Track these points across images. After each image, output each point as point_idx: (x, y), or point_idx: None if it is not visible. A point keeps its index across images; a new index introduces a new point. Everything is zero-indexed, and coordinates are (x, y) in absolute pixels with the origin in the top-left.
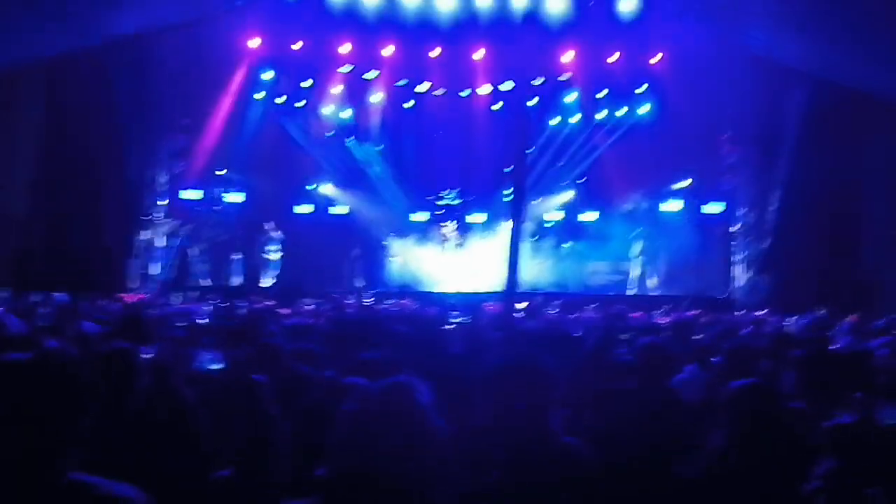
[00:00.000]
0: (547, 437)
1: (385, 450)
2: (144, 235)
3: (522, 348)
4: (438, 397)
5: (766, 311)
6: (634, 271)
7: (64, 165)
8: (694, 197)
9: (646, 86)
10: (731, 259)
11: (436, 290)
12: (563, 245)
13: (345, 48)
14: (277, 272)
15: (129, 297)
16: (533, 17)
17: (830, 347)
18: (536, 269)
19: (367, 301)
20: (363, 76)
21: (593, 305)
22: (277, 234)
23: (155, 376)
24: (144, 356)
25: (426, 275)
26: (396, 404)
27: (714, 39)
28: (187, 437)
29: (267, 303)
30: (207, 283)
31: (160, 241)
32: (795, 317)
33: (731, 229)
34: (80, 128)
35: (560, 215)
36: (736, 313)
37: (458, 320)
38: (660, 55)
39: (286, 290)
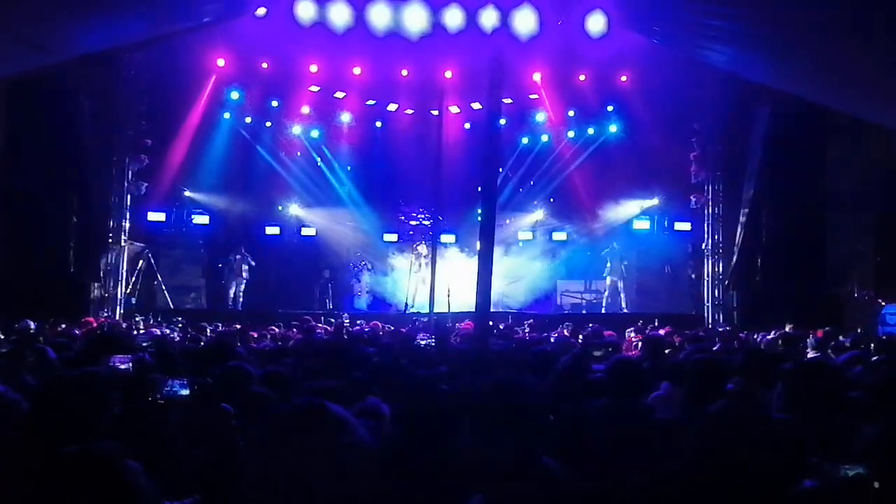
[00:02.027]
0: (531, 458)
1: (303, 473)
2: (109, 258)
3: (496, 369)
4: (411, 420)
5: (730, 327)
6: (606, 289)
7: (25, 186)
8: (663, 215)
9: (611, 108)
10: (701, 276)
11: (408, 310)
12: (535, 264)
13: (313, 67)
14: (246, 295)
15: (93, 322)
16: (502, 37)
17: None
18: (508, 289)
19: (345, 322)
20: (333, 95)
21: (566, 325)
22: (246, 258)
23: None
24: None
25: (398, 294)
26: (311, 420)
27: (680, 59)
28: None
29: (235, 326)
30: (173, 306)
31: (125, 264)
32: (762, 333)
33: (702, 247)
34: (42, 148)
35: (530, 235)
36: (706, 329)
37: (425, 341)
38: (626, 75)
39: (255, 313)
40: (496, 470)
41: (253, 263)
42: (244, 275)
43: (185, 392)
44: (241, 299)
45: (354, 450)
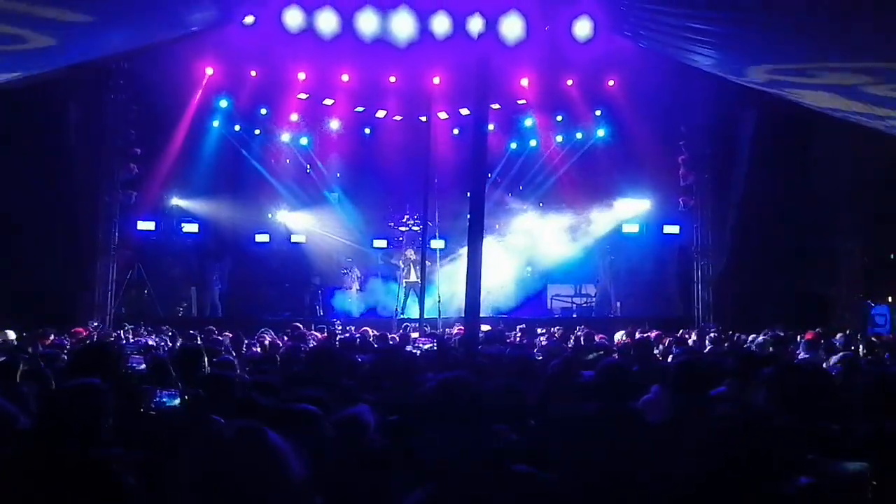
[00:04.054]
0: (490, 461)
1: (236, 497)
2: (98, 268)
3: (488, 374)
4: (404, 426)
5: (718, 328)
6: (596, 293)
7: (13, 196)
8: (652, 219)
9: (598, 112)
10: (690, 279)
11: (398, 316)
12: (526, 269)
13: (302, 75)
14: (225, 302)
15: (82, 331)
16: (489, 43)
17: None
18: (498, 293)
19: (338, 330)
20: (321, 102)
21: (557, 329)
22: (217, 265)
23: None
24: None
25: (388, 300)
26: (248, 449)
27: (667, 63)
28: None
29: (225, 333)
30: (163, 315)
31: (114, 274)
32: (753, 335)
33: (691, 249)
34: (29, 157)
35: (521, 239)
36: (696, 332)
37: (423, 347)
38: (614, 79)
39: (245, 321)
40: (448, 465)
41: (217, 272)
42: (218, 283)
43: (176, 402)
44: (230, 306)
45: (283, 480)
